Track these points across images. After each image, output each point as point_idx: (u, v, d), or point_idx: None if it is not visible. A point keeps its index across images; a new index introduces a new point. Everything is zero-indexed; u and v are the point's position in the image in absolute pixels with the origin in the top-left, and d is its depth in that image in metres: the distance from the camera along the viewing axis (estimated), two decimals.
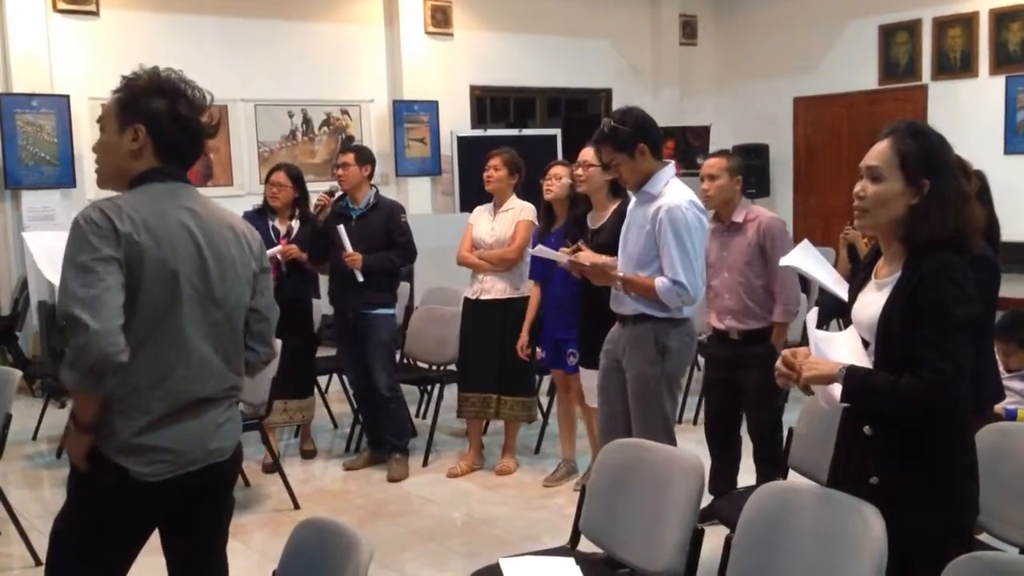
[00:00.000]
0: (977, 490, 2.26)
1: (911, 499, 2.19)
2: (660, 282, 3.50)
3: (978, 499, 2.27)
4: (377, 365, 5.06)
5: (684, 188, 3.59)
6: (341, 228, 4.93)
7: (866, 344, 2.26)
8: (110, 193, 2.32)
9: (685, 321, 3.65)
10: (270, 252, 5.01)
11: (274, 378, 4.55)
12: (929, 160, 2.18)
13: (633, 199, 3.74)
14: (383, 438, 5.22)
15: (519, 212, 4.96)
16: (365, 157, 5.12)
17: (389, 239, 5.04)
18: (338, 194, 5.11)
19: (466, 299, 5.10)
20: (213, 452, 2.34)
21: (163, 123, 2.27)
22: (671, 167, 3.61)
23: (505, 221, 4.97)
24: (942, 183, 2.17)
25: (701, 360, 5.10)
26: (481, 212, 5.13)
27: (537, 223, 4.90)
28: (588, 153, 4.16)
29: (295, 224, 5.21)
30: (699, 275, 3.55)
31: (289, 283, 5.13)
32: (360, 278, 4.94)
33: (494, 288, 4.96)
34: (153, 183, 2.28)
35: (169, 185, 2.30)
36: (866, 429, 2.24)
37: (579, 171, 4.26)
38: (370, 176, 5.12)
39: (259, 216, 5.24)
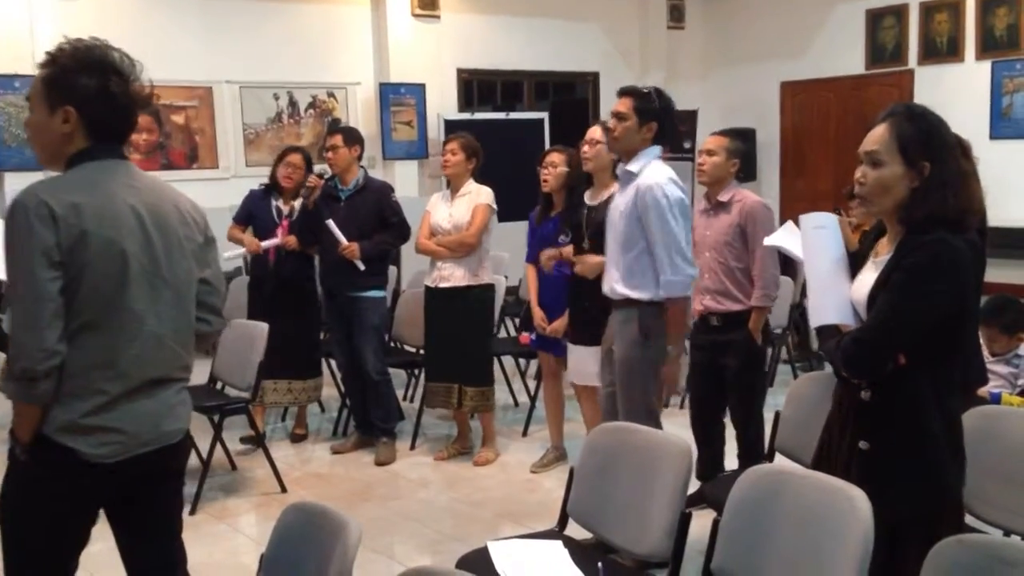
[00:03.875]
0: (963, 463, 2.30)
1: (903, 464, 2.23)
2: (665, 288, 3.51)
3: (964, 472, 2.30)
4: (366, 348, 5.05)
5: (663, 167, 3.61)
6: (331, 223, 4.90)
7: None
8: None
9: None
10: (270, 243, 5.07)
11: (275, 359, 4.65)
12: (928, 142, 2.19)
13: (619, 174, 3.74)
14: (371, 421, 5.22)
15: (476, 196, 4.89)
16: (353, 138, 5.09)
17: (381, 220, 5.02)
18: (327, 176, 5.09)
19: (427, 288, 5.06)
20: (167, 434, 2.33)
21: (93, 103, 2.20)
22: (656, 149, 3.62)
23: (462, 206, 4.90)
24: (942, 164, 2.19)
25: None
26: (438, 198, 5.09)
27: (495, 207, 4.89)
28: (596, 131, 4.20)
29: (297, 205, 5.20)
30: (688, 249, 3.55)
31: (288, 266, 5.15)
32: (361, 267, 4.93)
33: (453, 276, 4.90)
34: (91, 161, 2.23)
35: (107, 163, 2.25)
36: (864, 395, 2.26)
37: (586, 148, 4.25)
38: (359, 157, 5.10)
39: (265, 195, 5.26)
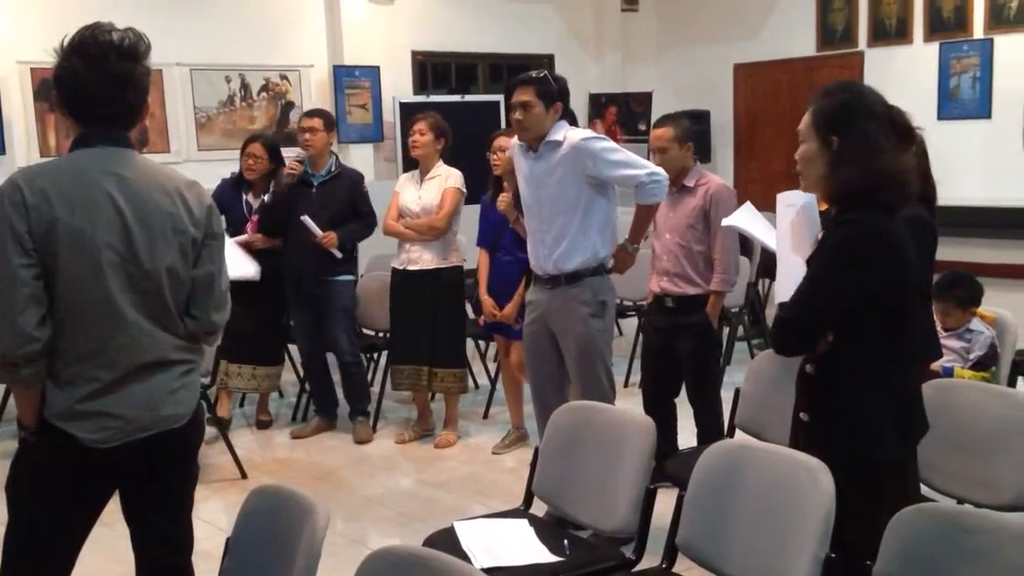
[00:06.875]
0: (910, 437, 2.32)
1: (836, 436, 2.27)
2: (650, 196, 3.69)
3: (906, 439, 2.31)
4: (339, 331, 5.06)
5: (581, 129, 3.83)
6: (307, 218, 4.87)
7: None
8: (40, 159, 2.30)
9: (609, 274, 3.84)
10: (239, 239, 4.99)
11: (239, 345, 4.78)
12: (835, 117, 2.22)
13: (527, 159, 3.82)
14: (333, 404, 5.26)
15: (446, 179, 4.88)
16: (331, 122, 5.11)
17: (352, 208, 5.01)
18: (302, 159, 5.04)
19: (394, 270, 5.04)
20: (167, 418, 2.29)
21: (64, 90, 2.23)
22: (564, 121, 3.78)
23: (432, 188, 4.89)
24: (848, 137, 2.19)
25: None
26: (407, 180, 5.07)
27: (464, 190, 4.89)
28: (503, 140, 4.37)
29: (267, 199, 5.11)
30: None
31: (261, 257, 5.08)
32: (339, 255, 4.92)
33: (421, 258, 4.90)
34: (80, 149, 2.23)
35: (99, 150, 2.23)
36: (808, 368, 2.32)
37: (496, 156, 4.46)
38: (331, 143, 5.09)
39: (234, 188, 5.20)
